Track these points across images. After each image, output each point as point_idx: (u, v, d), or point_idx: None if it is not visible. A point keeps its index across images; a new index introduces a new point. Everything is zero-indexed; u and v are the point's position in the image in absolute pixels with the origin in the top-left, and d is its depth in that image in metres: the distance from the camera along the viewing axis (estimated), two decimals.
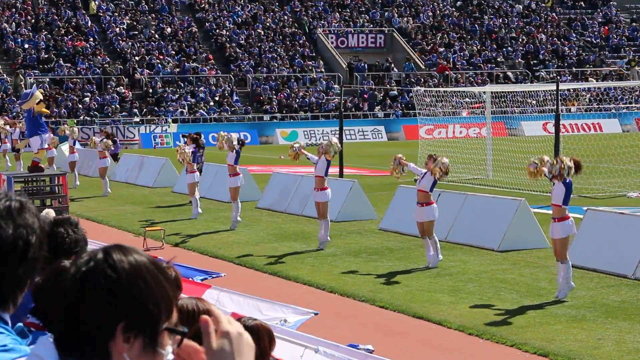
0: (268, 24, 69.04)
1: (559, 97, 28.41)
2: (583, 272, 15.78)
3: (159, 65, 62.36)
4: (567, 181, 14.30)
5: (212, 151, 31.57)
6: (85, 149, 40.02)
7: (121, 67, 61.77)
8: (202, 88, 61.31)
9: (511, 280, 15.84)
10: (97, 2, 67.29)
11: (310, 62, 66.36)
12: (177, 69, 62.43)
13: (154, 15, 67.53)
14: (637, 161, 31.03)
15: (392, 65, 68.13)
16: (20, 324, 3.48)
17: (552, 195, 14.69)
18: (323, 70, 66.36)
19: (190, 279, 13.30)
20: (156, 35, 65.59)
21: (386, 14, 73.34)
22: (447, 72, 67.04)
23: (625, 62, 72.33)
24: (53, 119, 50.35)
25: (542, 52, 72.10)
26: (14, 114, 51.45)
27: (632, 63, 71.73)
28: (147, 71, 61.96)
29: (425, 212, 17.02)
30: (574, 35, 75.28)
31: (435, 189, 17.73)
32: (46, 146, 26.39)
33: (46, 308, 4.19)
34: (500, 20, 75.07)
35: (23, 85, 56.03)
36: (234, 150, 22.34)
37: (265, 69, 64.55)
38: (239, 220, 22.43)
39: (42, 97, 25.88)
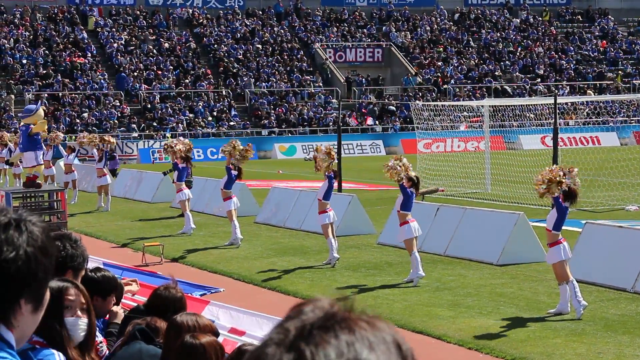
0: (266, 38, 69.15)
1: (557, 111, 28.41)
2: (582, 285, 15.72)
3: (158, 80, 62.41)
4: (563, 206, 14.20)
5: (212, 166, 31.51)
6: (84, 165, 40.01)
7: (122, 78, 61.80)
8: (200, 103, 61.34)
9: (510, 294, 15.81)
10: (95, 18, 67.40)
11: (309, 77, 66.44)
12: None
13: (152, 31, 67.61)
14: (636, 174, 31.02)
15: (391, 79, 68.24)
16: (26, 345, 3.42)
17: (547, 218, 14.61)
18: (321, 84, 66.44)
19: (189, 294, 13.29)
20: (154, 51, 65.65)
21: (384, 28, 73.47)
22: (444, 86, 67.14)
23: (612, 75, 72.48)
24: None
25: (539, 65, 72.23)
26: (12, 129, 51.39)
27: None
28: (145, 86, 62.00)
29: (401, 232, 17.15)
30: (572, 48, 75.42)
31: (434, 203, 17.71)
32: (41, 162, 26.31)
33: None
34: (498, 34, 75.22)
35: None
36: (236, 168, 22.21)
37: (263, 83, 64.63)
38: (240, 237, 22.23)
39: (43, 115, 25.84)
